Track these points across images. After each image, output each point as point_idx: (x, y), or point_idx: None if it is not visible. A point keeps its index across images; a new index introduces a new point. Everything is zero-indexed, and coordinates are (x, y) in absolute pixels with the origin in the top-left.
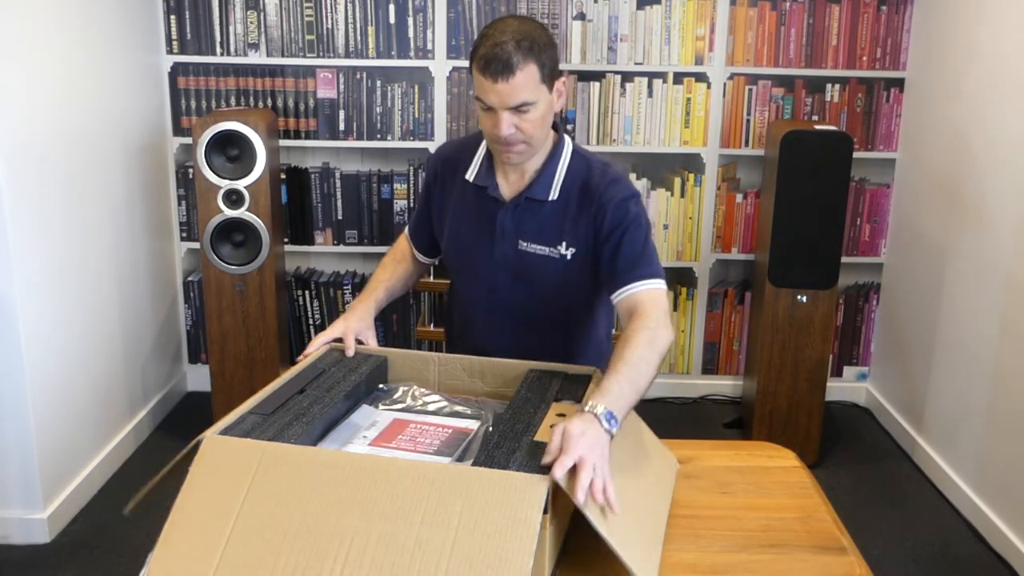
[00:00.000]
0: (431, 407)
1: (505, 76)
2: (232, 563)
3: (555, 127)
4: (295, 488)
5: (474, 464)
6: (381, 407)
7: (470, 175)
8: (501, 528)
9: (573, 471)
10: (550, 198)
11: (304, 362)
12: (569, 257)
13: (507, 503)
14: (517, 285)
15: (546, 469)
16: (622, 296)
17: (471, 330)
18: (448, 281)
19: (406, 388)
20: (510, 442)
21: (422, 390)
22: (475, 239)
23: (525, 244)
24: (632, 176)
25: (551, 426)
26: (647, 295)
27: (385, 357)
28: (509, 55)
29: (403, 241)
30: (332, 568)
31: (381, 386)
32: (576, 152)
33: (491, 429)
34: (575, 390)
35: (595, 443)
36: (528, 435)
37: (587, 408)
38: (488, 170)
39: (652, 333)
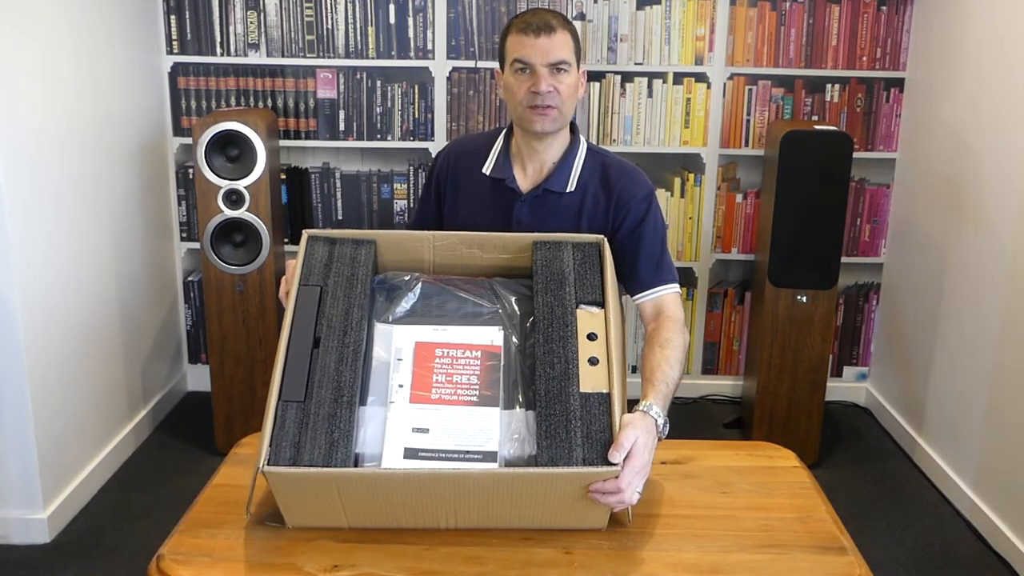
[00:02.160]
0: (446, 308)
1: (547, 32)
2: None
3: (572, 127)
4: (384, 496)
5: (538, 461)
6: (393, 322)
7: (487, 168)
8: (578, 511)
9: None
10: (568, 190)
11: (294, 267)
12: None
13: (582, 495)
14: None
15: (608, 435)
16: (647, 299)
17: None
18: None
19: (408, 279)
20: (559, 402)
21: (422, 281)
22: (491, 231)
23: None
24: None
25: (588, 336)
26: (671, 298)
27: (375, 241)
28: (549, 18)
29: None
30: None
31: (379, 278)
32: (591, 148)
33: (517, 345)
34: (591, 277)
35: (648, 461)
36: (572, 383)
37: (651, 412)
38: (505, 162)
39: (684, 337)
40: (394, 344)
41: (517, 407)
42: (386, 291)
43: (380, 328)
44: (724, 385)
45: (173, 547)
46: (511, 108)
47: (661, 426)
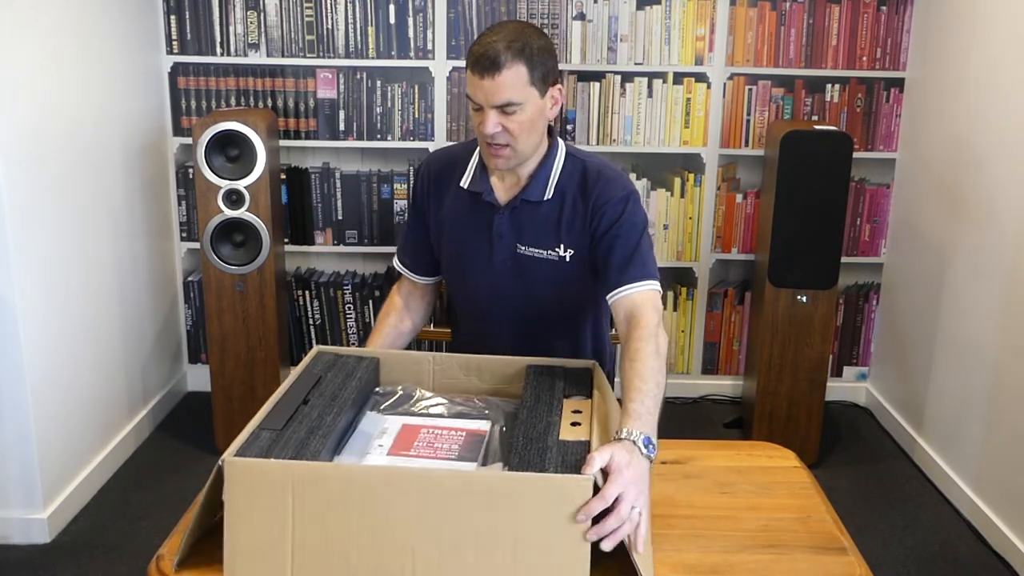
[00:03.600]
0: (434, 410)
1: (491, 73)
2: None
3: (549, 130)
4: (342, 512)
5: (509, 468)
6: (385, 412)
7: (464, 182)
8: (555, 533)
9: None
10: (545, 198)
11: (296, 370)
12: (568, 259)
13: (559, 506)
14: (518, 289)
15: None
16: (617, 297)
17: (477, 340)
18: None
19: (403, 390)
20: (537, 444)
21: (420, 391)
22: (473, 246)
23: (523, 247)
24: (632, 176)
25: (571, 424)
26: (641, 297)
27: (378, 358)
28: (497, 53)
29: (396, 285)
30: None
31: (377, 389)
32: (570, 154)
33: (505, 429)
34: (580, 385)
35: (638, 476)
36: (552, 435)
37: (624, 435)
38: (482, 175)
39: (655, 341)
40: (381, 425)
41: (496, 463)
42: (381, 395)
43: (370, 414)
44: (724, 385)
45: (173, 547)
46: None
47: (643, 445)
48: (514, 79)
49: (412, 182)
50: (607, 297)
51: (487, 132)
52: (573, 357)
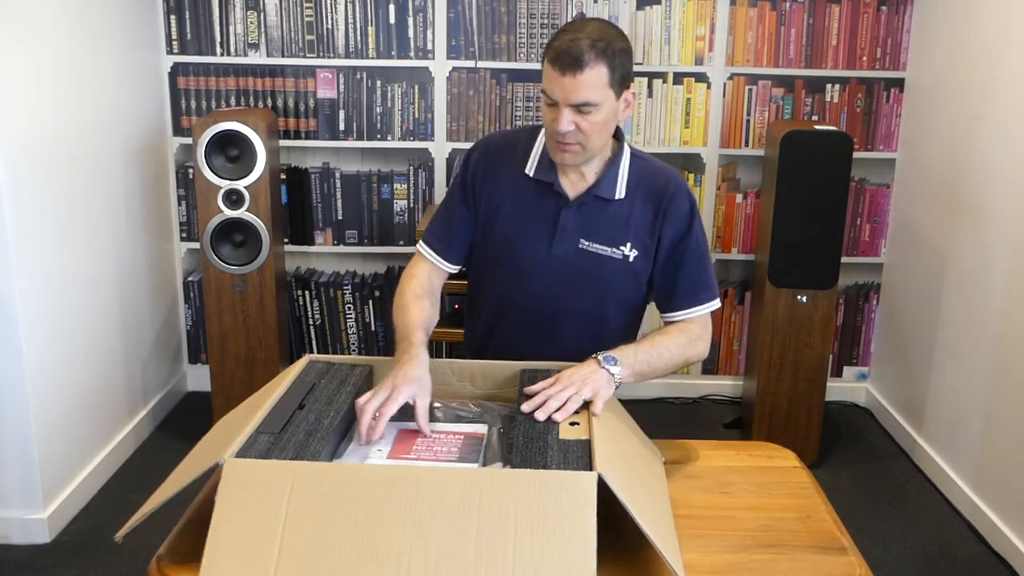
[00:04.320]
0: (432, 414)
1: (573, 71)
2: None
3: (618, 135)
4: (337, 509)
5: (511, 466)
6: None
7: (530, 169)
8: (559, 530)
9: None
10: (616, 197)
11: (288, 377)
12: (632, 259)
13: (560, 503)
14: (570, 286)
15: (589, 464)
16: (678, 318)
17: (507, 335)
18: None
19: None
20: (538, 442)
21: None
22: (533, 235)
23: (587, 243)
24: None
25: (570, 424)
26: (700, 319)
27: (371, 366)
28: (581, 51)
29: (419, 269)
30: None
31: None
32: (635, 155)
33: (502, 431)
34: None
35: (585, 373)
36: (551, 434)
37: (600, 357)
38: (550, 165)
39: (690, 341)
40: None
41: (496, 464)
42: None
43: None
44: (724, 385)
45: (173, 547)
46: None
47: (603, 359)
48: (595, 79)
49: (465, 162)
50: (665, 315)
51: (560, 130)
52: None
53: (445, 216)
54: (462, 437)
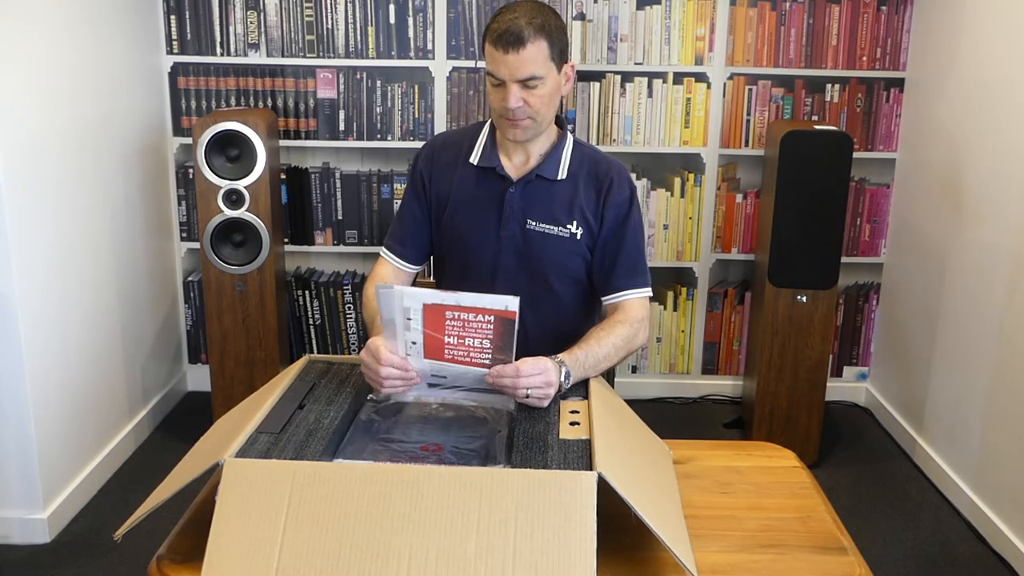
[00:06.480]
0: (430, 410)
1: (516, 48)
2: None
3: (558, 123)
4: (337, 509)
5: (512, 466)
6: (382, 412)
7: (474, 158)
8: (558, 530)
9: None
10: (559, 177)
11: (288, 377)
12: (579, 236)
13: (560, 503)
14: (522, 266)
15: (589, 464)
16: (613, 300)
17: None
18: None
19: (397, 396)
20: (538, 442)
21: (415, 395)
22: (480, 220)
23: (533, 223)
24: (632, 176)
25: (570, 424)
26: (637, 303)
27: None
28: (520, 29)
29: (381, 270)
30: None
31: (371, 396)
32: (578, 142)
33: (502, 432)
34: (577, 386)
35: (550, 379)
36: (551, 434)
37: (556, 359)
38: (492, 150)
39: (633, 333)
40: (405, 304)
41: (496, 465)
42: (375, 400)
43: (383, 291)
44: (724, 385)
45: (173, 547)
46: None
47: (563, 374)
48: (536, 54)
49: (414, 162)
50: (604, 298)
51: (510, 106)
52: (559, 336)
53: (400, 218)
54: (491, 319)
